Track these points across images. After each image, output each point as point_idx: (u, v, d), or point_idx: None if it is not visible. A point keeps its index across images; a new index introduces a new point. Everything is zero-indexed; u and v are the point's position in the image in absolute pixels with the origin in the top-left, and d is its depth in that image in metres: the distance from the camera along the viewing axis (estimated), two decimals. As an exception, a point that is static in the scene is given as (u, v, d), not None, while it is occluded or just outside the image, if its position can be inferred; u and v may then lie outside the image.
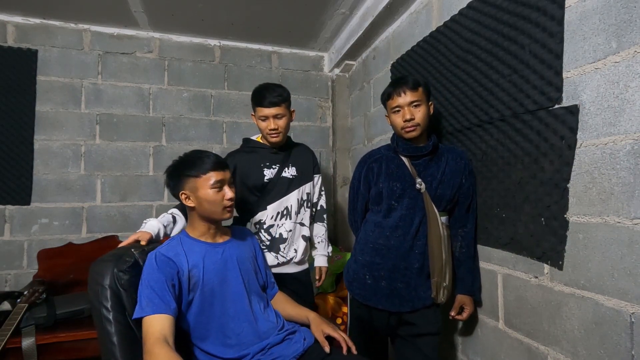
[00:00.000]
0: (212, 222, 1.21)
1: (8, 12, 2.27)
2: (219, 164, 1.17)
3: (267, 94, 1.53)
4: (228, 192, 1.17)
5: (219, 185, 1.15)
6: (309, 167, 1.71)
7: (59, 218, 2.35)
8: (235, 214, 1.63)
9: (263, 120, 1.56)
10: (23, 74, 2.30)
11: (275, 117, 1.54)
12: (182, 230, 1.25)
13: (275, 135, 1.56)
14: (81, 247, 2.29)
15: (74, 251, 2.26)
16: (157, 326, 0.97)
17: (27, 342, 1.51)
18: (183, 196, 1.18)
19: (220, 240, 1.25)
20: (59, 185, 2.36)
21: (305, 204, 1.66)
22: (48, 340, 1.56)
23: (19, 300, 1.66)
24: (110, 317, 0.99)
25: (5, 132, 2.25)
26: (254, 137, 1.69)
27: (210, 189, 1.14)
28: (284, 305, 1.33)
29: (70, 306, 1.72)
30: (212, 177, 1.14)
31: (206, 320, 1.13)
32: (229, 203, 1.17)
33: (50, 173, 2.35)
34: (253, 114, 1.62)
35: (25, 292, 1.70)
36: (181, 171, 1.17)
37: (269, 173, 1.60)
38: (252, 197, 1.61)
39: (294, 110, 1.64)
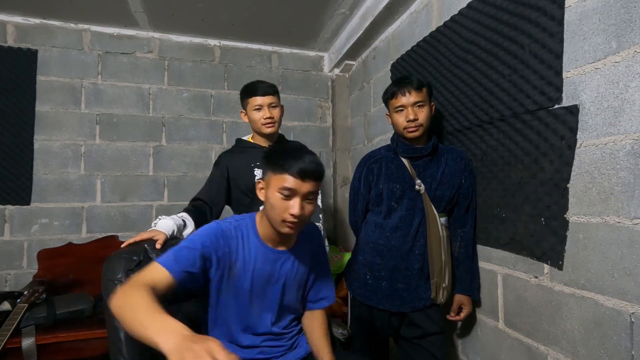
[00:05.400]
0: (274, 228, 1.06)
1: (8, 12, 2.27)
2: (303, 170, 0.97)
3: (260, 84, 1.57)
4: (295, 207, 0.97)
5: (289, 193, 0.98)
6: None
7: (59, 218, 2.35)
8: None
9: (258, 110, 1.55)
10: (23, 74, 2.30)
11: (270, 105, 1.55)
12: (254, 222, 1.12)
13: (270, 125, 1.55)
14: (81, 247, 2.28)
15: (74, 251, 2.25)
16: (154, 274, 0.90)
17: (27, 342, 1.51)
18: (259, 185, 1.07)
19: (280, 248, 1.12)
20: (59, 185, 2.36)
21: None
22: (48, 340, 1.55)
23: (19, 300, 1.66)
24: None
25: (5, 132, 2.25)
26: (245, 137, 1.68)
27: (277, 192, 0.98)
28: (312, 329, 1.21)
29: (70, 306, 1.71)
30: (286, 181, 0.97)
31: (226, 317, 1.09)
32: (289, 217, 0.98)
33: (50, 173, 2.35)
34: (243, 111, 1.62)
35: (25, 292, 1.70)
36: (271, 159, 1.04)
37: (259, 173, 1.57)
38: (245, 199, 1.58)
39: (283, 106, 1.64)
